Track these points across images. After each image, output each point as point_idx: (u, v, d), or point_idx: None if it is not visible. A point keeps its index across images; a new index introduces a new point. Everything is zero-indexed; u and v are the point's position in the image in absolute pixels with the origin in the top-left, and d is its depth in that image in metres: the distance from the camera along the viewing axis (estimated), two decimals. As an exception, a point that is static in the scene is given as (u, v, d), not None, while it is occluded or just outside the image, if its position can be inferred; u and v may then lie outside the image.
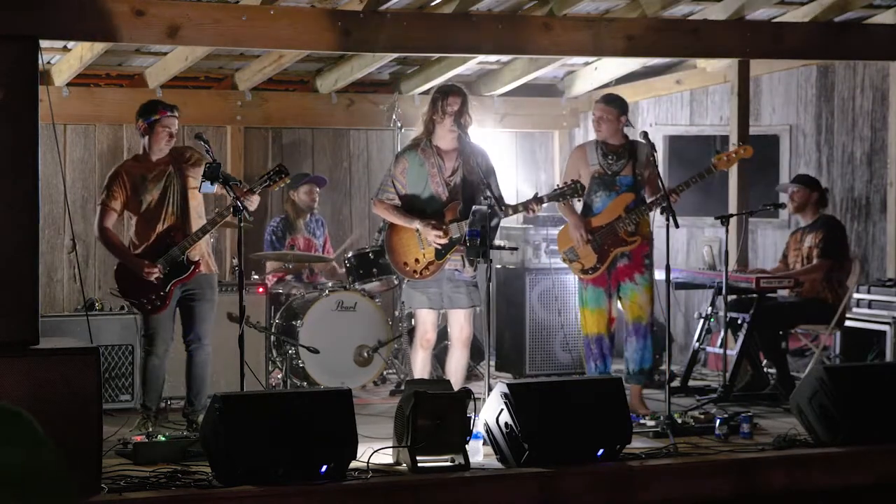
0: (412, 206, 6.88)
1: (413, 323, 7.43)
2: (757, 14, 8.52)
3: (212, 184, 6.49)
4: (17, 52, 6.10)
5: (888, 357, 8.09)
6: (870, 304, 8.46)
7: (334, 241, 9.47)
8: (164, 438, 6.10)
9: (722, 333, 8.04)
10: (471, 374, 8.09)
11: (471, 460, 5.81)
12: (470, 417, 5.82)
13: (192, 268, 6.82)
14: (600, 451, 5.94)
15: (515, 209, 6.92)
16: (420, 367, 6.96)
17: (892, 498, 6.29)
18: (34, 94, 6.06)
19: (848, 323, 8.24)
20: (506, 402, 5.88)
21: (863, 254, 9.27)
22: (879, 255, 9.26)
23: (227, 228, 8.55)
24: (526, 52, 8.57)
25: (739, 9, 8.21)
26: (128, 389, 7.58)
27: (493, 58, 9.59)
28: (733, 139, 8.69)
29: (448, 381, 6.31)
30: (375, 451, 5.76)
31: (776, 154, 9.81)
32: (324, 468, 5.52)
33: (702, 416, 6.97)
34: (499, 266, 9.18)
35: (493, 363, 8.23)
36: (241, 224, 6.34)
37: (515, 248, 9.06)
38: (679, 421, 6.74)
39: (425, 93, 9.25)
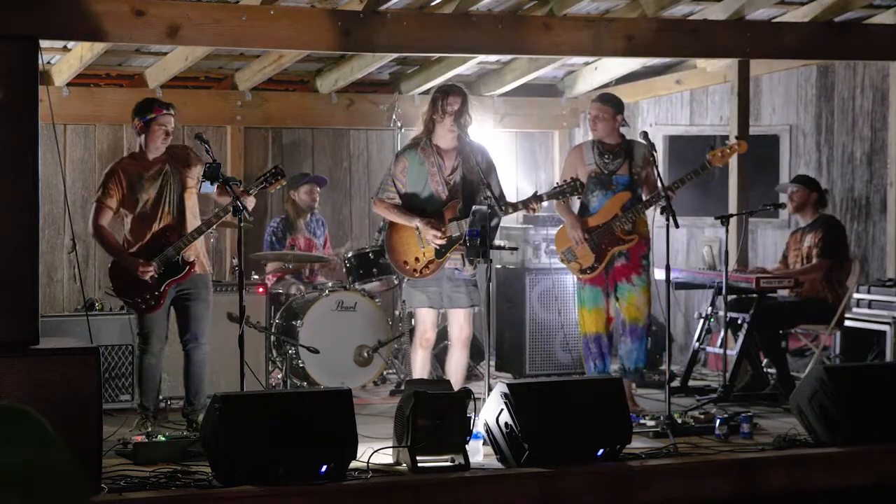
0: (412, 205, 6.88)
1: (413, 322, 7.43)
2: (757, 14, 8.52)
3: (212, 184, 6.49)
4: (17, 52, 6.10)
5: (888, 357, 8.09)
6: (870, 304, 8.46)
7: (334, 240, 9.48)
8: (164, 438, 6.10)
9: (722, 333, 8.05)
10: (471, 374, 8.09)
11: (471, 460, 5.81)
12: (470, 417, 5.82)
13: (186, 268, 6.81)
14: (600, 451, 5.94)
15: (515, 207, 6.93)
16: (420, 366, 6.96)
17: (892, 498, 6.29)
18: (34, 94, 6.05)
19: (848, 323, 8.24)
20: (506, 402, 5.88)
21: (863, 254, 9.27)
22: (879, 255, 9.26)
23: (227, 228, 8.56)
24: (526, 52, 8.57)
25: (739, 9, 8.21)
26: (128, 389, 7.58)
27: (493, 58, 9.59)
28: (733, 139, 8.68)
29: (448, 381, 6.31)
30: (375, 451, 5.76)
31: (776, 154, 9.81)
32: (324, 468, 5.52)
33: (702, 416, 6.97)
34: (499, 266, 9.18)
35: (493, 363, 8.23)
36: (241, 224, 6.34)
37: (515, 248, 9.07)
38: (679, 421, 6.74)
39: (425, 93, 9.25)
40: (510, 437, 5.85)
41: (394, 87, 10.05)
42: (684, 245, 10.12)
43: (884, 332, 8.23)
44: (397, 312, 8.74)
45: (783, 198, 8.55)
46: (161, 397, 7.24)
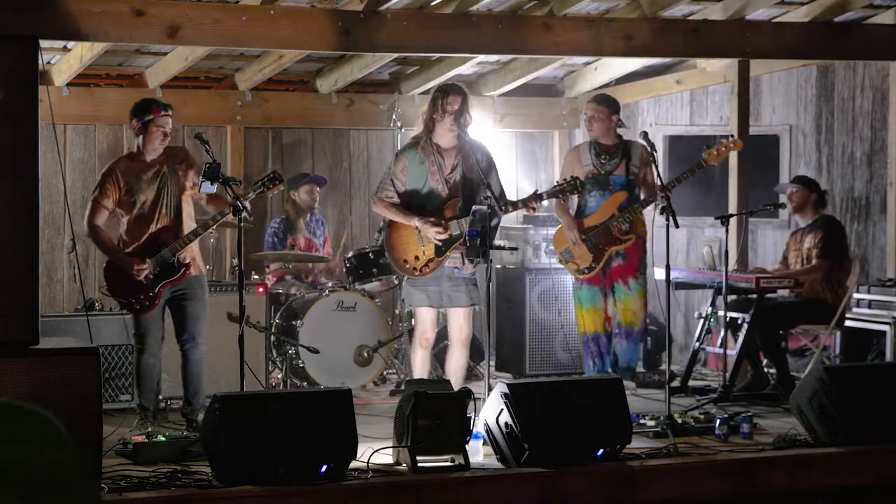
0: (412, 204, 6.88)
1: (413, 322, 7.43)
2: (757, 14, 8.52)
3: (212, 184, 6.49)
4: (17, 52, 6.10)
5: (888, 357, 8.09)
6: (870, 304, 8.46)
7: (334, 240, 9.48)
8: (164, 438, 6.10)
9: (722, 333, 8.05)
10: (471, 374, 8.09)
11: (471, 460, 5.81)
12: (470, 417, 5.82)
13: (182, 270, 6.82)
14: (600, 451, 5.94)
15: (515, 206, 6.93)
16: (419, 366, 6.96)
17: (892, 498, 6.29)
18: (34, 94, 6.06)
19: (848, 323, 8.24)
20: (506, 402, 5.88)
21: (863, 254, 9.27)
22: (879, 255, 9.26)
23: (227, 228, 8.56)
24: (526, 52, 8.57)
25: (739, 9, 8.21)
26: (128, 389, 7.58)
27: (493, 58, 9.59)
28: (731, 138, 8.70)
29: (448, 381, 6.31)
30: (375, 451, 5.76)
31: (776, 154, 9.81)
32: (324, 468, 5.52)
33: (702, 416, 6.97)
34: (499, 266, 9.18)
35: (493, 363, 8.23)
36: (241, 224, 6.34)
37: (515, 248, 9.07)
38: (679, 421, 6.74)
39: (425, 93, 9.25)
40: (510, 437, 5.85)
41: (394, 87, 10.05)
42: (684, 245, 10.11)
43: (884, 332, 8.23)
44: (397, 312, 8.74)
45: (783, 198, 8.55)
46: (161, 397, 7.24)
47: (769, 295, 8.10)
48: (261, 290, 8.04)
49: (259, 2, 7.29)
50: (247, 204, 6.53)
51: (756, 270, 8.34)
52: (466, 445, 5.79)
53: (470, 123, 6.89)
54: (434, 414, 5.77)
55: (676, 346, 9.53)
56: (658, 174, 7.03)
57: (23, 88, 5.97)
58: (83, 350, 5.85)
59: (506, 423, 5.87)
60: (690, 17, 8.56)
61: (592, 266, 7.50)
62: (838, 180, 9.50)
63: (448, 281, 6.88)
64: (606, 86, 9.97)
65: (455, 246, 6.82)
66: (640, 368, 9.03)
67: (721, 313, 7.89)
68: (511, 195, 9.17)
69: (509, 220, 8.49)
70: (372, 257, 8.38)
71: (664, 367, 7.63)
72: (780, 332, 8.14)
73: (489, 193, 6.63)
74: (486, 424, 5.99)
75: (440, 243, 6.81)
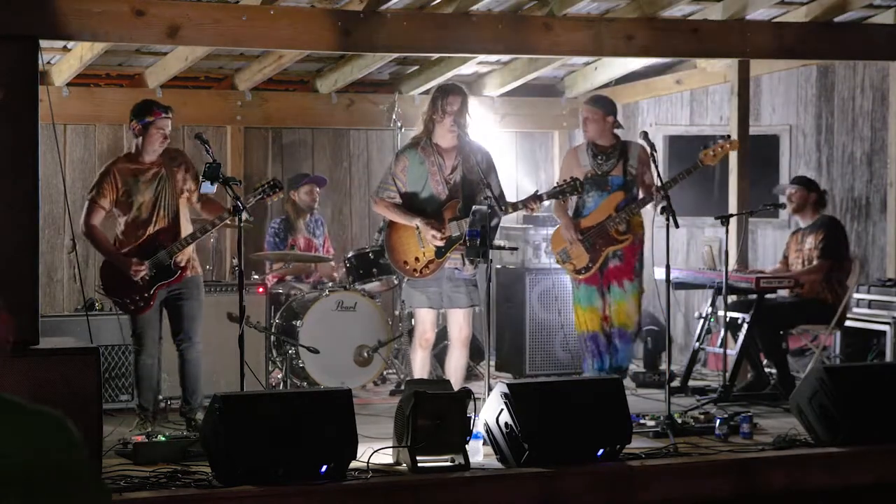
0: (412, 205, 6.88)
1: (413, 323, 7.43)
2: (757, 14, 8.52)
3: (212, 184, 6.49)
4: (17, 52, 6.10)
5: (888, 357, 8.09)
6: (870, 304, 8.46)
7: (334, 240, 9.48)
8: (164, 438, 6.10)
9: (722, 333, 8.05)
10: (471, 374, 8.09)
11: (471, 460, 5.81)
12: (470, 417, 5.82)
13: (178, 272, 6.82)
14: (600, 451, 5.94)
15: (515, 207, 6.93)
16: (419, 366, 6.96)
17: (892, 498, 6.29)
18: (34, 94, 6.06)
19: (848, 323, 8.24)
20: (506, 402, 5.88)
21: (863, 254, 9.27)
22: (879, 255, 9.26)
23: (227, 229, 8.56)
24: (526, 52, 8.58)
25: (739, 9, 8.21)
26: (128, 389, 7.58)
27: (493, 58, 9.59)
28: (733, 139, 8.69)
29: (448, 381, 6.31)
30: (375, 451, 5.76)
31: (776, 154, 9.81)
32: (324, 468, 5.52)
33: (702, 416, 6.97)
34: (499, 266, 9.18)
35: (493, 363, 8.23)
36: (241, 224, 6.34)
37: (515, 248, 9.07)
38: (679, 421, 6.74)
39: (425, 93, 9.25)
40: (510, 437, 5.85)
41: (394, 87, 10.05)
42: (684, 245, 10.11)
43: (884, 332, 8.23)
44: (397, 312, 8.74)
45: (782, 198, 8.54)
46: (161, 397, 7.24)
47: (769, 295, 8.11)
48: (261, 290, 8.04)
49: (259, 2, 7.29)
50: (249, 202, 6.55)
51: (754, 272, 8.34)
52: (466, 445, 5.79)
53: (470, 124, 6.89)
54: (434, 414, 5.77)
55: (676, 346, 9.53)
56: (658, 174, 7.03)
57: (23, 88, 5.98)
58: (83, 350, 5.85)
59: (506, 423, 5.87)
60: (690, 17, 8.56)
61: (589, 266, 7.53)
62: (838, 180, 9.50)
63: (448, 282, 6.87)
64: (606, 86, 9.98)
65: (455, 247, 6.81)
66: (640, 369, 9.05)
67: (721, 313, 7.89)
68: (511, 195, 9.20)
69: (509, 220, 8.49)
70: (372, 257, 8.38)
71: (664, 367, 7.63)
72: (781, 332, 8.13)
73: (489, 193, 6.62)
74: (486, 424, 5.99)
75: (440, 246, 6.80)
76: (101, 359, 5.78)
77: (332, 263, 8.96)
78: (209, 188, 6.60)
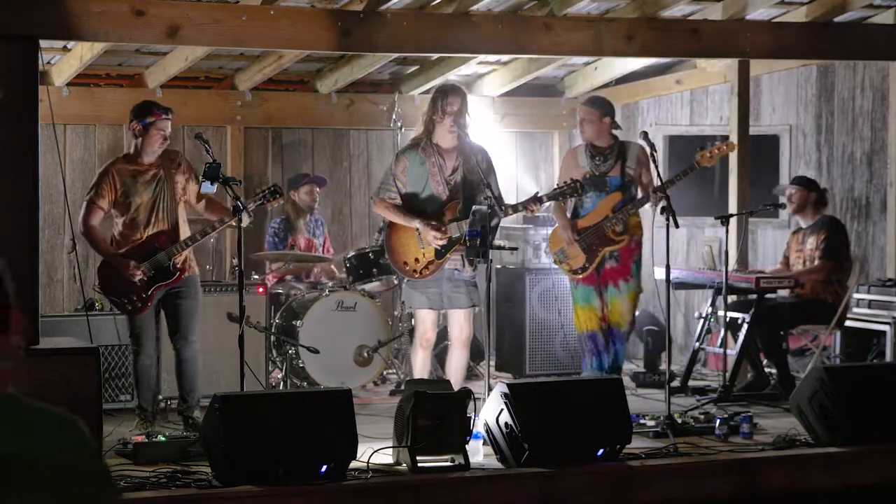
0: (412, 205, 6.88)
1: (413, 323, 7.43)
2: (757, 14, 8.52)
3: (212, 184, 6.49)
4: (17, 52, 6.11)
5: (888, 357, 8.09)
6: (870, 304, 8.46)
7: (334, 241, 9.48)
8: (164, 438, 6.10)
9: (722, 333, 8.05)
10: (471, 374, 8.09)
11: (471, 460, 5.81)
12: (470, 417, 5.82)
13: (177, 274, 6.82)
14: (600, 451, 5.94)
15: (515, 209, 6.93)
16: (420, 366, 6.96)
17: (892, 498, 6.29)
18: (34, 94, 6.07)
19: (848, 323, 8.24)
20: (506, 402, 5.88)
21: (863, 254, 9.27)
22: (879, 255, 9.26)
23: (227, 229, 8.55)
24: (526, 52, 8.58)
25: (739, 9, 8.21)
26: (128, 389, 7.58)
27: (492, 58, 9.59)
28: (733, 139, 8.69)
29: (448, 381, 6.31)
30: (375, 451, 5.76)
31: (776, 154, 9.81)
32: (324, 468, 5.52)
33: (702, 416, 6.97)
34: (499, 266, 9.18)
35: (493, 363, 8.23)
36: (241, 224, 6.34)
37: (515, 248, 9.07)
38: (679, 421, 6.74)
39: (425, 93, 9.25)
40: (510, 437, 5.85)
41: (394, 87, 10.05)
42: (684, 245, 10.12)
43: (884, 332, 8.23)
44: (397, 312, 8.74)
45: (783, 199, 8.54)
46: (161, 397, 7.24)
47: (769, 295, 8.11)
48: (261, 290, 8.04)
49: (259, 2, 7.29)
50: (249, 207, 6.56)
51: (754, 272, 8.34)
52: (466, 445, 5.79)
53: (470, 124, 6.89)
54: (434, 414, 5.77)
55: (676, 346, 9.53)
56: (658, 174, 7.03)
57: (23, 88, 5.98)
58: (83, 350, 5.86)
59: (506, 423, 5.87)
60: (690, 17, 8.56)
61: (585, 267, 7.54)
62: (838, 180, 9.51)
63: (448, 283, 6.87)
64: (606, 86, 9.98)
65: (455, 248, 6.81)
66: (640, 369, 9.06)
67: (721, 313, 7.89)
68: (511, 194, 9.21)
69: (509, 220, 8.48)
70: (372, 257, 8.38)
71: (664, 367, 7.63)
72: (781, 332, 8.14)
73: (489, 193, 6.62)
74: (486, 424, 5.99)
75: (439, 247, 6.80)
76: (101, 359, 5.78)
77: (333, 266, 8.96)
78: (209, 188, 6.60)
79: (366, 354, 8.18)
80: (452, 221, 6.81)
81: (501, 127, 10.39)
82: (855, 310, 8.43)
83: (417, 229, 6.80)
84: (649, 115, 10.38)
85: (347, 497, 5.51)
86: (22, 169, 6.00)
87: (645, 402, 7.67)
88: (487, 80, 10.16)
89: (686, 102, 10.25)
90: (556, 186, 7.21)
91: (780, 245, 9.07)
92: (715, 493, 6.02)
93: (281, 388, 7.88)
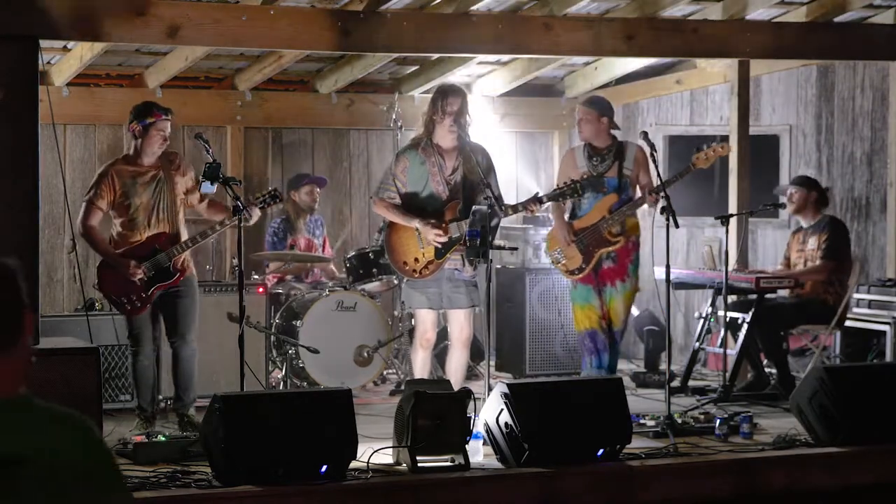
0: (412, 205, 6.88)
1: (413, 323, 7.42)
2: (757, 14, 8.52)
3: (212, 184, 6.49)
4: (17, 52, 6.11)
5: (888, 357, 8.09)
6: (870, 304, 8.46)
7: (333, 241, 9.48)
8: (164, 438, 6.10)
9: (722, 333, 8.05)
10: (471, 374, 8.09)
11: (471, 460, 5.80)
12: (470, 417, 5.82)
13: (177, 275, 6.82)
14: (600, 451, 5.94)
15: (515, 209, 6.94)
16: (420, 366, 6.96)
17: (892, 498, 6.29)
18: (34, 94, 6.07)
19: (848, 323, 8.24)
20: (506, 402, 5.88)
21: (863, 254, 9.26)
22: (879, 255, 9.26)
23: (226, 228, 8.56)
24: (526, 52, 8.58)
25: (739, 9, 8.21)
26: (128, 389, 7.57)
27: (493, 58, 9.59)
28: (733, 139, 8.71)
29: (448, 381, 6.31)
30: (375, 451, 5.76)
31: (776, 154, 9.81)
32: (324, 468, 5.52)
33: (702, 416, 6.97)
34: (499, 266, 9.18)
35: (493, 363, 8.23)
36: (241, 224, 6.35)
37: (515, 248, 9.08)
38: (679, 421, 6.74)
39: (425, 93, 9.25)
40: (510, 437, 5.85)
41: (394, 88, 10.05)
42: (684, 245, 10.12)
43: (884, 332, 8.23)
44: (397, 312, 8.74)
45: (783, 198, 8.54)
46: (161, 397, 7.24)
47: (769, 295, 8.11)
48: (261, 290, 8.04)
49: (259, 2, 7.30)
50: (252, 216, 6.58)
51: (754, 272, 8.34)
52: (466, 445, 5.79)
53: (470, 124, 6.89)
54: (434, 414, 5.77)
55: (676, 346, 9.53)
56: (658, 174, 7.03)
57: (23, 88, 5.98)
58: (83, 350, 5.86)
59: (506, 423, 5.87)
60: (690, 17, 8.56)
61: (582, 268, 7.55)
62: (838, 180, 9.51)
63: (448, 282, 6.87)
64: (606, 86, 9.98)
65: (455, 248, 6.81)
66: (640, 369, 9.06)
67: (721, 313, 7.89)
68: (511, 193, 9.21)
69: (509, 220, 8.48)
70: (372, 257, 8.38)
71: (664, 367, 7.63)
72: (781, 332, 8.13)
73: (489, 193, 6.62)
74: (486, 424, 5.99)
75: (440, 246, 6.80)
76: (101, 359, 5.78)
77: (332, 267, 8.97)
78: (209, 188, 6.60)
79: (366, 354, 8.18)
80: (452, 221, 6.81)
81: (501, 127, 10.39)
82: (855, 310, 8.43)
83: (417, 229, 6.80)
84: (649, 115, 10.38)
85: (347, 497, 5.51)
86: (22, 169, 6.00)
87: (645, 402, 7.67)
88: (487, 80, 10.16)
89: (686, 102, 10.25)
90: (555, 187, 7.21)
91: (780, 245, 9.07)
92: (715, 493, 6.02)
93: (281, 388, 7.88)
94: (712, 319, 8.37)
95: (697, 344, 8.40)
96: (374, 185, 7.54)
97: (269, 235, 8.94)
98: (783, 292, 8.21)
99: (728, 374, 7.82)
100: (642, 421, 6.81)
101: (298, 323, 8.03)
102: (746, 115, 8.75)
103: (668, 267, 6.84)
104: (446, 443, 5.79)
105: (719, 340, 8.22)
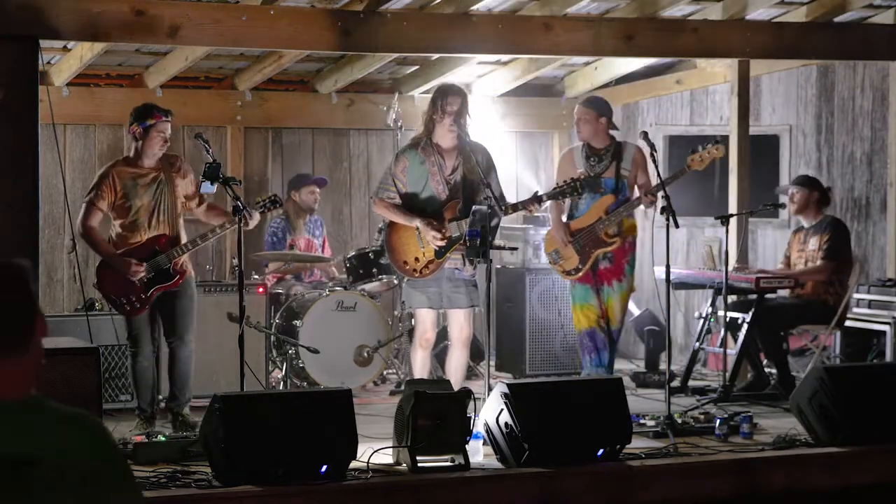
0: (412, 205, 6.88)
1: (413, 322, 7.43)
2: (757, 14, 8.52)
3: (212, 184, 6.49)
4: (17, 52, 6.11)
5: (888, 357, 8.09)
6: (870, 304, 8.46)
7: (333, 241, 9.48)
8: (164, 438, 6.10)
9: (722, 333, 8.04)
10: (471, 374, 8.09)
11: (471, 460, 5.80)
12: (470, 417, 5.82)
13: (176, 277, 6.83)
14: (600, 451, 5.94)
15: (515, 208, 6.94)
16: (419, 366, 6.97)
17: (892, 498, 6.29)
18: (34, 94, 6.07)
19: (848, 323, 8.24)
20: (506, 402, 5.88)
21: (863, 254, 9.26)
22: (879, 255, 9.26)
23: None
24: (526, 52, 8.58)
25: (739, 9, 8.21)
26: (127, 389, 7.57)
27: (493, 58, 9.59)
28: (733, 139, 8.70)
29: (448, 381, 6.31)
30: (375, 451, 5.76)
31: (776, 154, 9.81)
32: (324, 468, 5.52)
33: (702, 416, 6.97)
34: (499, 266, 9.18)
35: (493, 363, 8.23)
36: (241, 224, 6.35)
37: (515, 248, 9.08)
38: (679, 421, 6.74)
39: (425, 93, 9.25)
40: (510, 437, 5.85)
41: (394, 88, 10.05)
42: (684, 245, 10.12)
43: (884, 332, 8.23)
44: (397, 312, 8.74)
45: (783, 198, 8.54)
46: (161, 397, 7.24)
47: (769, 295, 8.10)
48: (261, 290, 8.04)
49: (259, 2, 7.30)
50: (251, 221, 6.60)
51: (754, 271, 8.34)
52: (466, 445, 5.79)
53: (470, 124, 6.89)
54: (434, 414, 5.76)
55: (676, 346, 9.53)
56: (658, 175, 7.03)
57: (23, 88, 5.99)
58: (83, 350, 5.85)
59: (506, 423, 5.87)
60: (690, 17, 8.56)
61: (579, 268, 7.56)
62: (838, 180, 9.51)
63: (448, 282, 6.88)
64: (606, 86, 9.98)
65: (455, 248, 6.81)
66: (640, 369, 9.05)
67: (721, 313, 7.89)
68: (512, 193, 9.20)
69: (509, 220, 8.49)
70: (372, 257, 8.38)
71: (664, 366, 7.63)
72: (781, 332, 8.13)
73: (489, 193, 6.62)
74: (486, 424, 5.99)
75: (439, 246, 6.80)
76: (101, 359, 5.77)
77: (332, 267, 8.97)
78: (209, 188, 6.60)
79: (366, 354, 8.19)
80: (452, 221, 6.81)
81: (501, 127, 10.39)
82: (855, 310, 8.43)
83: (417, 228, 6.80)
84: (649, 115, 10.38)
85: (347, 497, 5.51)
86: (22, 169, 6.00)
87: (645, 402, 7.67)
88: (487, 80, 10.16)
89: (686, 102, 10.25)
90: (555, 186, 7.21)
91: (780, 245, 9.07)
92: (715, 493, 6.02)
93: (281, 388, 7.89)
94: (712, 319, 8.37)
95: (697, 344, 8.40)
96: (374, 186, 7.54)
97: (268, 235, 8.94)
98: (783, 292, 8.20)
99: (728, 374, 7.82)
100: (642, 421, 6.81)
101: (298, 323, 8.03)
102: (746, 115, 8.75)
103: (668, 267, 6.84)
104: (446, 443, 5.79)
105: (719, 340, 8.22)
